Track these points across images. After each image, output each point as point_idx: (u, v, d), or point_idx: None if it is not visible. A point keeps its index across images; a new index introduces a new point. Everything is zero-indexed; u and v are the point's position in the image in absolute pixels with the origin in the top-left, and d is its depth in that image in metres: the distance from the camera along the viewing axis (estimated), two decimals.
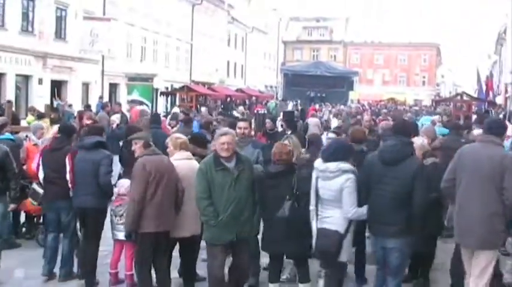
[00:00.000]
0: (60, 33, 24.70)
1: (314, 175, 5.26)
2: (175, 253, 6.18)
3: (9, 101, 18.40)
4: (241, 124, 7.02)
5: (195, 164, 5.89)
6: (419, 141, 6.28)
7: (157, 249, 5.69)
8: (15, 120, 13.33)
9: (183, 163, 5.91)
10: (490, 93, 27.72)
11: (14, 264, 6.94)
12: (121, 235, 6.24)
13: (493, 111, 21.64)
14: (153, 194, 5.51)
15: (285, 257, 6.11)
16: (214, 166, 5.27)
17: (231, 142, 5.31)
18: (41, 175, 6.69)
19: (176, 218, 5.75)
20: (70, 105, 21.10)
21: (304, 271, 5.81)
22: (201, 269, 6.23)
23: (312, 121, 15.39)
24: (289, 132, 9.59)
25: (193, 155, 6.17)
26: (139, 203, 5.47)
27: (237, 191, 5.26)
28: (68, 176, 6.36)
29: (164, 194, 5.57)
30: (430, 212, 5.56)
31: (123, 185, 6.33)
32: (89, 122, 10.33)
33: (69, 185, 6.38)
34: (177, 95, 28.97)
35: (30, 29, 22.81)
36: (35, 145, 8.22)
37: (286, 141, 6.38)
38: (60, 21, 24.65)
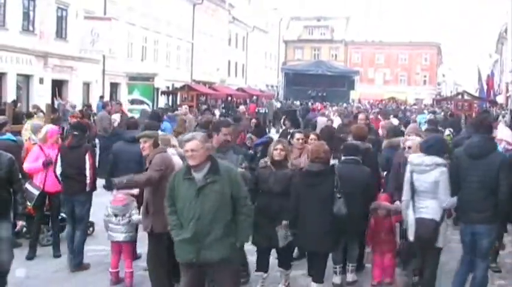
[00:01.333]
0: (60, 32, 24.71)
1: (408, 169, 5.71)
2: None
3: (14, 101, 18.43)
4: (224, 130, 6.09)
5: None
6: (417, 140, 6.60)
7: (169, 248, 5.66)
8: (20, 120, 13.32)
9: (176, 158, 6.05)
10: (491, 92, 27.72)
11: (14, 264, 6.91)
12: (116, 237, 6.30)
13: (493, 110, 21.67)
14: None
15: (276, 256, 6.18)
16: (183, 175, 4.61)
17: (196, 149, 4.48)
18: (58, 170, 6.93)
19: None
20: (74, 106, 20.61)
21: (321, 269, 5.81)
22: None
23: (321, 120, 15.17)
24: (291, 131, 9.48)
25: None
26: (154, 180, 5.43)
27: (201, 206, 4.44)
28: (87, 173, 6.71)
29: None
30: None
31: None
32: (74, 120, 11.17)
33: (88, 181, 6.72)
34: (178, 95, 28.95)
35: (31, 28, 22.82)
36: (35, 144, 8.20)
37: (279, 146, 6.00)
38: (60, 20, 24.67)
